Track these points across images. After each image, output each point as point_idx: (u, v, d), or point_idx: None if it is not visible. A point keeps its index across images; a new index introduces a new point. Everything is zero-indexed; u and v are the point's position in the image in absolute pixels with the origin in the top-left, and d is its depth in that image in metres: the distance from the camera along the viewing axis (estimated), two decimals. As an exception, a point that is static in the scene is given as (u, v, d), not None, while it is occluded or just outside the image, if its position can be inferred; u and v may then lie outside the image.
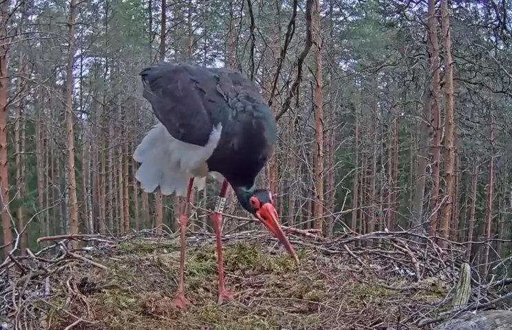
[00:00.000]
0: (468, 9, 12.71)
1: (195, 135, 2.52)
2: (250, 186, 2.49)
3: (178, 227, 4.57)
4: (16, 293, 2.61)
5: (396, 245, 3.54)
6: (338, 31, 21.99)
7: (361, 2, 15.20)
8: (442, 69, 11.24)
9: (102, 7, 19.47)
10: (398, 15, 13.18)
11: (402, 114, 20.49)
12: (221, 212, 2.97)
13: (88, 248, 3.65)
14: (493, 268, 3.05)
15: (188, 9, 19.76)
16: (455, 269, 3.10)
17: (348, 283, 2.94)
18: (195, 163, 2.62)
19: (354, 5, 19.58)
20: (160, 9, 15.75)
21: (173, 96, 2.64)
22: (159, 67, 3.14)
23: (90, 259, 3.28)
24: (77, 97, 22.68)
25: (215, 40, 23.18)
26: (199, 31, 22.07)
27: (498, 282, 2.68)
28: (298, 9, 6.10)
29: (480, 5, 12.47)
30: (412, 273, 3.09)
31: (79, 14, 15.66)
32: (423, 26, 12.30)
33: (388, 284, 2.96)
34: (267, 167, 15.64)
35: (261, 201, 2.43)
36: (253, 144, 2.44)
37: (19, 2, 11.93)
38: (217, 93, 2.52)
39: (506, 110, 14.54)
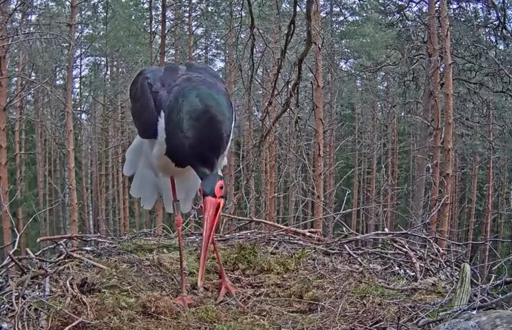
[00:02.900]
0: (468, 9, 12.70)
1: (147, 129, 2.53)
2: (211, 171, 2.35)
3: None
4: (16, 293, 2.61)
5: (396, 245, 3.54)
6: (339, 31, 22.01)
7: (361, 2, 15.21)
8: (442, 69, 11.23)
9: (102, 7, 19.48)
10: (398, 15, 13.16)
11: (402, 114, 20.51)
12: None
13: (88, 248, 3.65)
14: (493, 268, 3.05)
15: (188, 9, 19.75)
16: (455, 269, 3.10)
17: (348, 283, 2.94)
18: (157, 159, 2.57)
19: (354, 5, 19.64)
20: (160, 9, 15.74)
21: (134, 99, 2.69)
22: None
23: (90, 259, 3.28)
24: (77, 97, 22.69)
25: (216, 40, 23.21)
26: (200, 31, 22.09)
27: (498, 282, 2.68)
28: (298, 9, 6.09)
29: (479, 5, 12.46)
30: (412, 273, 3.09)
31: (78, 14, 15.65)
32: (423, 26, 12.29)
33: (388, 284, 2.96)
34: (267, 167, 15.67)
35: (205, 190, 2.26)
36: (201, 122, 2.34)
37: (19, 2, 11.94)
38: (161, 84, 2.50)
39: (506, 110, 14.55)
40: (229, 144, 2.54)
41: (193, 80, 2.50)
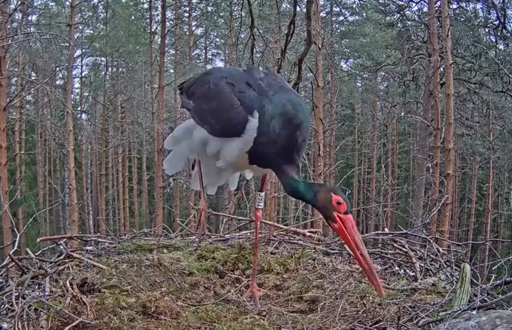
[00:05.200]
0: (468, 9, 12.70)
1: (231, 128, 2.55)
2: (298, 173, 2.48)
3: (179, 227, 4.57)
4: (16, 293, 2.61)
5: (396, 245, 3.54)
6: (338, 31, 21.99)
7: (361, 2, 15.21)
8: (442, 69, 11.23)
9: (102, 7, 19.48)
10: (398, 15, 13.17)
11: (402, 114, 20.49)
12: (260, 207, 2.95)
13: (88, 248, 3.64)
14: (493, 268, 3.05)
15: (188, 9, 19.76)
16: (455, 269, 3.10)
17: (348, 283, 2.94)
18: (236, 157, 2.61)
19: (354, 5, 19.62)
20: (160, 9, 15.75)
21: (207, 97, 2.70)
22: (193, 76, 3.20)
23: (90, 259, 3.28)
24: (77, 97, 22.67)
25: (216, 40, 23.21)
26: (200, 31, 22.08)
27: (498, 282, 2.68)
28: (298, 9, 6.10)
29: (479, 5, 12.47)
30: (412, 273, 3.09)
31: (79, 14, 15.65)
32: (423, 26, 12.30)
33: (388, 284, 2.96)
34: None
35: (347, 209, 2.32)
36: (292, 125, 2.45)
37: (19, 2, 11.94)
38: (247, 84, 2.55)
39: (506, 110, 14.53)
40: None
41: (281, 86, 2.61)
